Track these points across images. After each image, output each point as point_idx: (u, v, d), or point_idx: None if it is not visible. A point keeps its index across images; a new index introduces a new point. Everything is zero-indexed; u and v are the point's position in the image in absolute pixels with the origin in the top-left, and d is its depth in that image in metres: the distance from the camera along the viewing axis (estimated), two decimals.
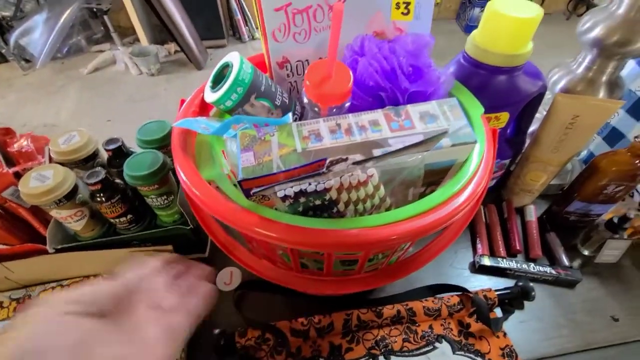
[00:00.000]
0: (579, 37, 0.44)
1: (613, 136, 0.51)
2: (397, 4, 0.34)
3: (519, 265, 0.44)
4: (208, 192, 0.27)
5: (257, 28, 2.27)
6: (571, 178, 0.53)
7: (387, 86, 0.30)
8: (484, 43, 0.36)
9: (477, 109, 0.34)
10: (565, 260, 0.45)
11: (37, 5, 2.02)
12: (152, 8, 1.79)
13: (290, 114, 0.29)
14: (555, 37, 2.22)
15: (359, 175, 0.24)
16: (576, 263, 0.47)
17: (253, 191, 0.24)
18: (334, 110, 0.30)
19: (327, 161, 0.23)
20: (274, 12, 0.34)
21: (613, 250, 0.44)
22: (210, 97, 0.34)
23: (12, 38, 1.88)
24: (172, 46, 2.15)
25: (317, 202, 0.26)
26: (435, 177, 0.30)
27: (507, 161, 0.49)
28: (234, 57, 0.35)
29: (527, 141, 0.51)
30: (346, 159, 0.24)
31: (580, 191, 0.45)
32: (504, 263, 0.44)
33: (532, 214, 0.50)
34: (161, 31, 2.07)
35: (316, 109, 0.31)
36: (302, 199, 0.25)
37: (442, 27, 2.46)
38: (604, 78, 0.44)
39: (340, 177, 0.24)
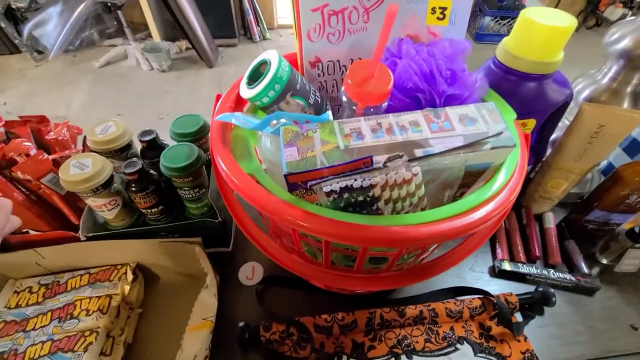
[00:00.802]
0: (606, 48, 0.44)
1: (633, 147, 0.51)
2: (433, 8, 0.34)
3: (538, 271, 0.44)
4: (251, 185, 0.28)
5: (264, 34, 2.29)
6: (590, 187, 0.53)
7: (425, 88, 0.31)
8: (516, 49, 0.37)
9: (509, 114, 0.35)
10: (584, 268, 0.46)
11: None
12: (166, 5, 1.80)
13: (329, 113, 0.30)
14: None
15: (403, 174, 0.25)
16: (594, 271, 0.47)
17: (310, 184, 0.25)
18: (372, 110, 0.31)
19: (385, 157, 0.24)
20: (310, 13, 0.35)
21: (633, 260, 0.44)
22: (247, 93, 0.35)
23: (26, 29, 1.89)
24: (184, 43, 2.17)
25: (360, 198, 0.26)
26: (469, 179, 0.30)
27: (528, 168, 0.50)
28: (271, 54, 0.36)
29: (549, 149, 0.51)
30: (402, 156, 0.24)
31: (601, 200, 0.45)
32: (524, 268, 0.45)
33: (551, 221, 0.51)
34: (173, 28, 2.09)
35: (354, 107, 0.32)
36: (346, 195, 0.26)
37: None
38: (629, 89, 0.45)
39: (386, 174, 0.25)
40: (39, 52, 2.05)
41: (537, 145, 0.48)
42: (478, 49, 2.30)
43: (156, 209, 0.38)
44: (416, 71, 0.31)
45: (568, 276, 0.44)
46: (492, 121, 0.28)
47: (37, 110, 1.80)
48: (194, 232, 0.40)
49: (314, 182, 0.25)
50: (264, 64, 0.36)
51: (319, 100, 0.39)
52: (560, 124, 0.47)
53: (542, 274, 0.44)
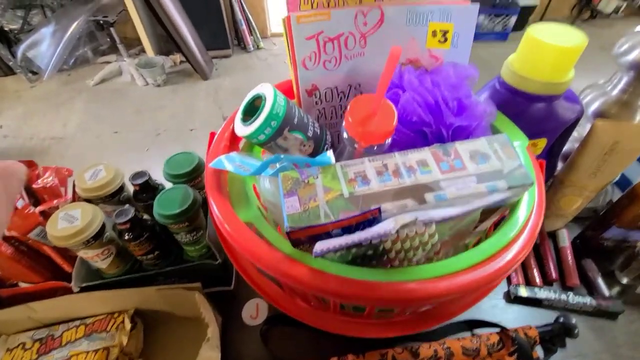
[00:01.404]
0: (616, 59, 0.43)
1: None
2: (434, 32, 0.33)
3: (557, 295, 0.42)
4: (249, 237, 0.26)
5: (258, 44, 2.27)
6: (605, 200, 0.51)
7: (431, 121, 0.29)
8: (523, 70, 0.35)
9: (521, 139, 0.33)
10: (605, 289, 0.43)
11: (45, 18, 2.04)
12: (158, 19, 1.79)
13: (331, 153, 0.28)
14: None
15: (416, 227, 0.23)
16: (615, 291, 0.45)
17: (315, 253, 0.23)
18: (375, 148, 0.29)
19: (399, 225, 0.22)
20: (305, 41, 0.33)
21: None
22: (242, 130, 0.33)
23: (20, 50, 1.88)
24: (178, 57, 2.16)
25: (369, 252, 0.24)
26: (483, 216, 0.28)
27: None
28: (266, 89, 0.34)
29: (560, 163, 0.49)
30: (415, 221, 0.22)
31: (619, 218, 0.43)
32: (541, 293, 0.43)
33: (566, 238, 0.48)
34: (167, 42, 2.07)
35: (356, 145, 0.30)
36: (354, 250, 0.24)
37: None
38: None
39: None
40: (34, 73, 2.04)
41: (548, 161, 0.46)
42: (473, 47, 2.28)
43: (152, 255, 0.36)
44: (420, 103, 0.29)
45: (588, 300, 0.42)
46: (505, 157, 0.26)
47: (33, 131, 1.78)
48: (193, 274, 0.38)
49: (317, 236, 0.23)
50: (258, 98, 0.34)
51: (318, 131, 0.38)
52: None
53: (560, 299, 0.42)
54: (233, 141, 0.35)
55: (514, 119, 0.36)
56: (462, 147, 0.27)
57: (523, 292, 0.43)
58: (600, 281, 0.44)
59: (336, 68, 0.35)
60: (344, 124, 0.29)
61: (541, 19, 2.47)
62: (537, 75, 0.34)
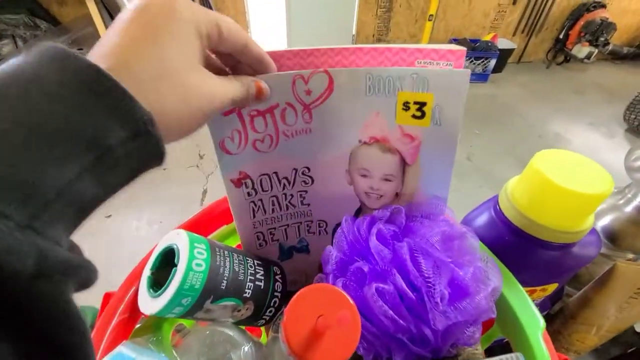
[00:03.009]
0: (629, 173, 0.36)
1: None
2: (406, 104, 0.23)
3: None
4: None
5: None
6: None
7: (409, 324, 0.20)
8: (531, 212, 0.27)
9: (533, 323, 0.24)
10: None
11: (16, 48, 1.92)
12: None
13: None
14: (537, 85, 2.27)
15: None
16: None
17: None
18: None
19: None
20: (221, 117, 0.24)
21: None
22: (146, 306, 0.23)
23: None
24: None
25: None
26: None
27: (543, 314, 0.39)
28: (181, 241, 0.24)
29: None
30: None
31: None
32: None
33: None
34: None
35: None
36: None
37: None
38: None
39: None
40: None
41: (556, 293, 0.37)
42: None
43: None
44: (392, 298, 0.20)
45: None
46: None
47: None
48: None
49: None
50: (171, 251, 0.25)
51: (261, 284, 0.28)
52: None
53: None
54: (135, 310, 0.25)
55: (518, 263, 0.28)
56: None
57: None
58: None
59: (272, 150, 0.26)
60: (281, 333, 0.19)
61: (519, 61, 2.55)
62: (552, 223, 0.26)
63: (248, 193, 0.28)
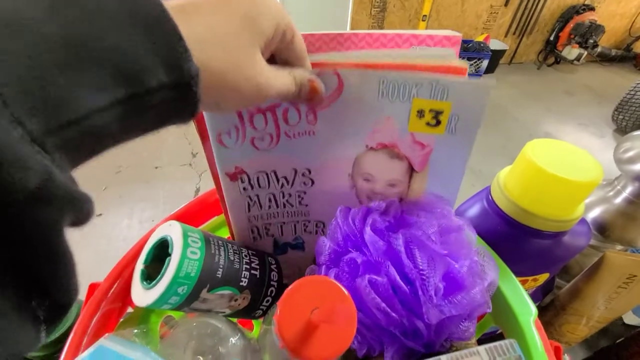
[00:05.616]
0: (618, 165, 0.36)
1: None
2: (420, 111, 0.22)
3: None
4: None
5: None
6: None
7: (402, 318, 0.19)
8: (523, 201, 0.27)
9: (525, 310, 0.24)
10: None
11: None
12: None
13: None
14: (529, 86, 2.30)
15: None
16: None
17: None
18: None
19: None
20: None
21: None
22: (140, 298, 0.22)
23: None
24: None
25: None
26: None
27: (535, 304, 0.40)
28: (173, 230, 0.24)
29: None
30: None
31: (632, 357, 0.35)
32: None
33: None
34: None
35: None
36: None
37: None
38: None
39: None
40: None
41: (547, 283, 0.38)
42: None
43: None
44: (385, 290, 0.19)
45: None
46: None
47: None
48: None
49: None
50: (165, 242, 0.24)
51: (257, 273, 0.27)
52: None
53: None
54: (125, 298, 0.24)
55: (510, 253, 0.28)
56: None
57: None
58: None
59: (272, 148, 0.25)
60: (274, 326, 0.18)
61: (510, 62, 2.58)
62: (543, 212, 0.26)
63: (244, 188, 0.27)
